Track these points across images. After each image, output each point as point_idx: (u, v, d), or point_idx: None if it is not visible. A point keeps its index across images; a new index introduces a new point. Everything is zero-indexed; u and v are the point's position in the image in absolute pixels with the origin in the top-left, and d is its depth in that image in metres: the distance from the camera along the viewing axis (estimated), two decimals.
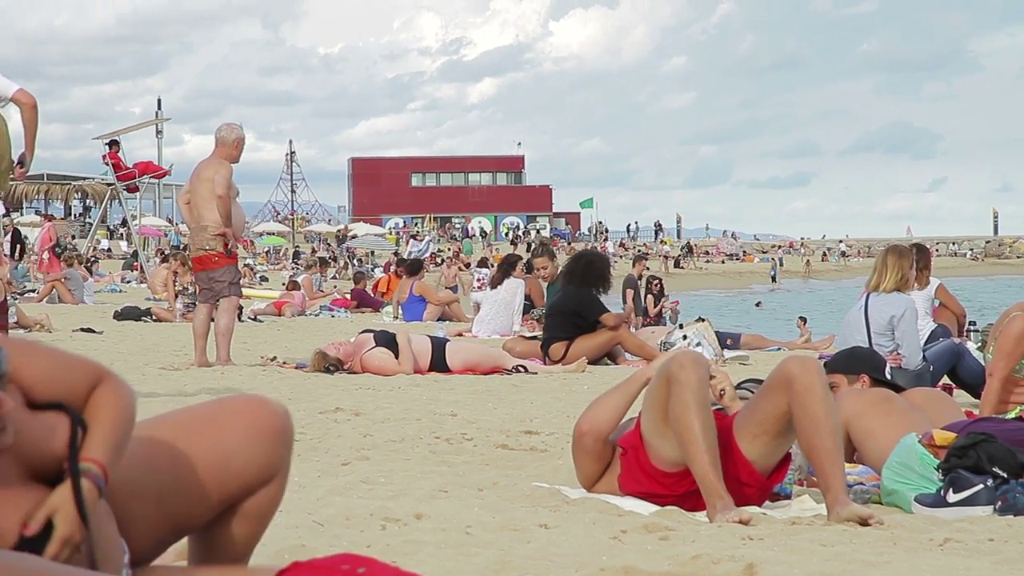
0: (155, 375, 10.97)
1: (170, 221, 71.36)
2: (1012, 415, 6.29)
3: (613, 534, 4.47)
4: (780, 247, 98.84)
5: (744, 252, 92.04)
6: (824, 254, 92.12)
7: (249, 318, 21.08)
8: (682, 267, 74.04)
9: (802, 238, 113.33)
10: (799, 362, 5.06)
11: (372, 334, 11.88)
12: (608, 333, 13.61)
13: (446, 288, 29.74)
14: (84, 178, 78.99)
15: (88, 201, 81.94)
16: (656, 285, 25.01)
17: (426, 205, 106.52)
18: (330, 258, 52.49)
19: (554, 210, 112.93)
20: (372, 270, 47.57)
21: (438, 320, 21.03)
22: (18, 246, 30.31)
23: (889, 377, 6.64)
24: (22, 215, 67.75)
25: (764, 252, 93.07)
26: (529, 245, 58.02)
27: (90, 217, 75.17)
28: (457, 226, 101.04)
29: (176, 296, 20.97)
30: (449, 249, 65.73)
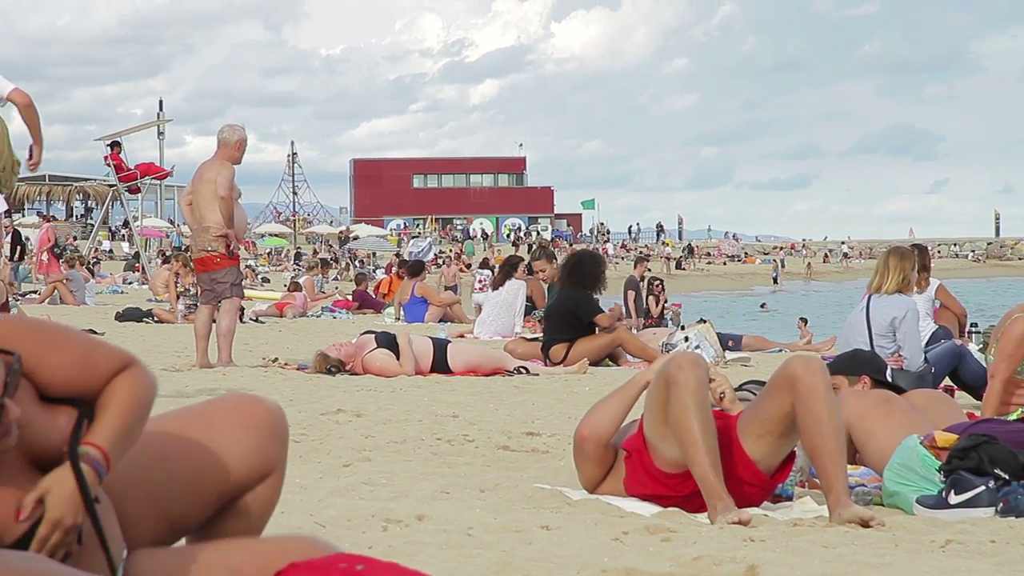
0: (157, 376, 10.95)
1: (172, 222, 71.35)
2: (1014, 417, 6.28)
3: (615, 535, 4.47)
4: (782, 248, 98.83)
5: (746, 254, 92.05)
6: (826, 255, 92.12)
7: (251, 319, 21.08)
8: (684, 268, 74.07)
9: (804, 239, 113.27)
10: (803, 362, 5.05)
11: (373, 335, 11.89)
12: (609, 335, 13.63)
13: (445, 288, 29.76)
14: (86, 179, 79.03)
15: (90, 202, 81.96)
16: (658, 286, 25.01)
17: (428, 206, 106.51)
18: (332, 259, 52.51)
19: (556, 211, 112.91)
20: (374, 271, 47.59)
21: (439, 321, 21.03)
22: (18, 248, 30.31)
23: (890, 379, 6.64)
24: (23, 216, 67.75)
25: (766, 253, 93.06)
26: (530, 246, 58.04)
27: (92, 218, 75.15)
28: (459, 227, 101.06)
29: (178, 297, 20.97)
30: (451, 250, 65.76)
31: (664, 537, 4.48)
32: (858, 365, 6.71)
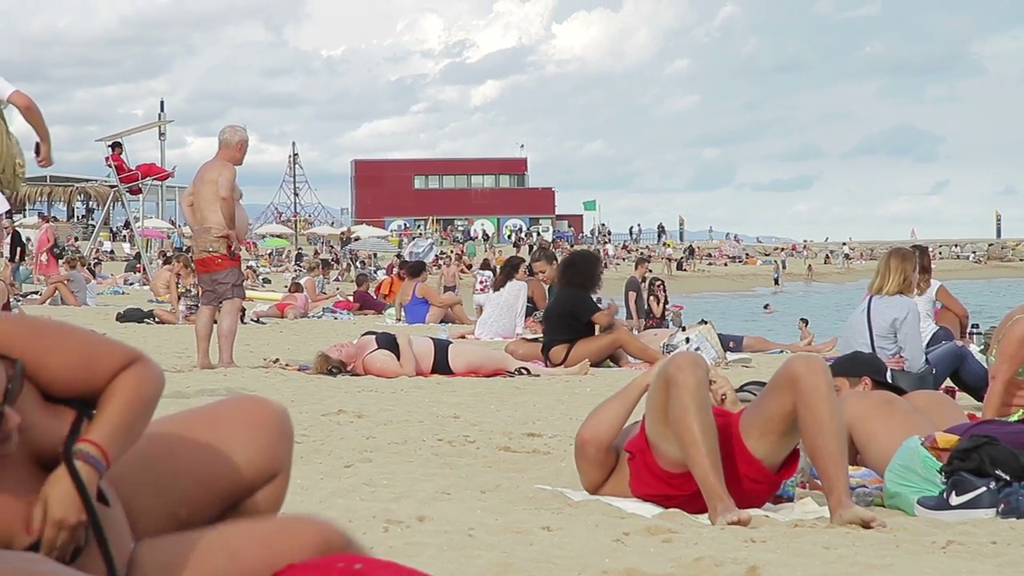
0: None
1: (173, 223, 71.35)
2: (1015, 418, 6.28)
3: (616, 536, 4.47)
4: (783, 250, 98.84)
5: (747, 255, 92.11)
6: (827, 257, 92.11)
7: (252, 320, 21.09)
8: (685, 269, 74.07)
9: (805, 241, 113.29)
10: (805, 361, 5.06)
11: (374, 336, 11.89)
12: (610, 336, 13.64)
13: (445, 288, 29.77)
14: (87, 180, 79.09)
15: (91, 203, 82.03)
16: (659, 286, 25.05)
17: (429, 207, 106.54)
18: (333, 260, 52.53)
19: (557, 212, 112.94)
20: (375, 272, 47.61)
21: (441, 322, 21.03)
22: (18, 249, 30.34)
23: (890, 380, 6.64)
24: (24, 217, 67.78)
25: (767, 255, 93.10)
26: (531, 247, 58.05)
27: (93, 219, 75.25)
28: (459, 228, 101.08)
29: (179, 298, 20.98)
30: (452, 251, 65.77)
31: (665, 538, 4.48)
32: (858, 367, 6.72)
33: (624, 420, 5.35)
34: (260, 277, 43.36)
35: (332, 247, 74.01)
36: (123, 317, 20.39)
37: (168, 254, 39.03)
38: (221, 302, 12.08)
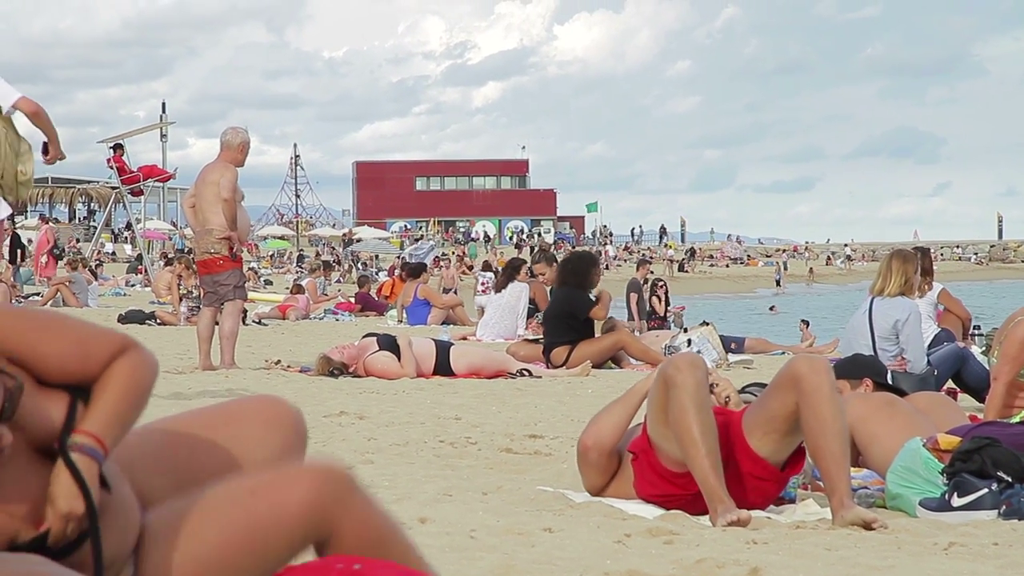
0: (159, 378, 10.95)
1: (174, 225, 71.38)
2: (1016, 419, 6.28)
3: (617, 538, 4.47)
4: (784, 251, 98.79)
5: (748, 256, 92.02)
6: (828, 258, 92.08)
7: (253, 322, 21.09)
8: (686, 271, 74.04)
9: (806, 242, 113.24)
10: (808, 361, 5.06)
11: (375, 338, 11.89)
12: (612, 337, 13.64)
13: (444, 290, 29.77)
14: (88, 181, 79.09)
15: (92, 204, 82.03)
16: (662, 287, 25.09)
17: (430, 209, 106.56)
18: (334, 262, 52.49)
19: (558, 214, 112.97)
20: (376, 274, 47.60)
21: (442, 324, 21.03)
22: (18, 251, 30.36)
23: (890, 382, 6.65)
24: (26, 218, 67.81)
25: (768, 256, 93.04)
26: (532, 249, 58.07)
27: (94, 221, 75.28)
28: (461, 230, 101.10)
29: (180, 299, 20.99)
30: (454, 252, 65.77)
31: (667, 540, 4.48)
32: (859, 369, 6.73)
33: (626, 425, 5.35)
34: (262, 279, 43.34)
35: (334, 249, 73.96)
36: (125, 319, 20.41)
37: (170, 255, 39.05)
38: (223, 304, 12.08)
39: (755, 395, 5.71)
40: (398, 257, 52.35)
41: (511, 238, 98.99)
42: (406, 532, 2.81)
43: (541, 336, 14.28)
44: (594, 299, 13.54)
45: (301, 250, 74.30)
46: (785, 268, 76.73)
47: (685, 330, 14.83)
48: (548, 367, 13.03)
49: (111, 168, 33.35)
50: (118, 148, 33.24)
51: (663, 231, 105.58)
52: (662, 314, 24.20)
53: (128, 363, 2.68)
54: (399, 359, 11.51)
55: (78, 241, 58.37)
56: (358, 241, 77.44)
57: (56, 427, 2.57)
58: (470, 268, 50.71)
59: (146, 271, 38.09)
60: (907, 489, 5.33)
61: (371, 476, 5.87)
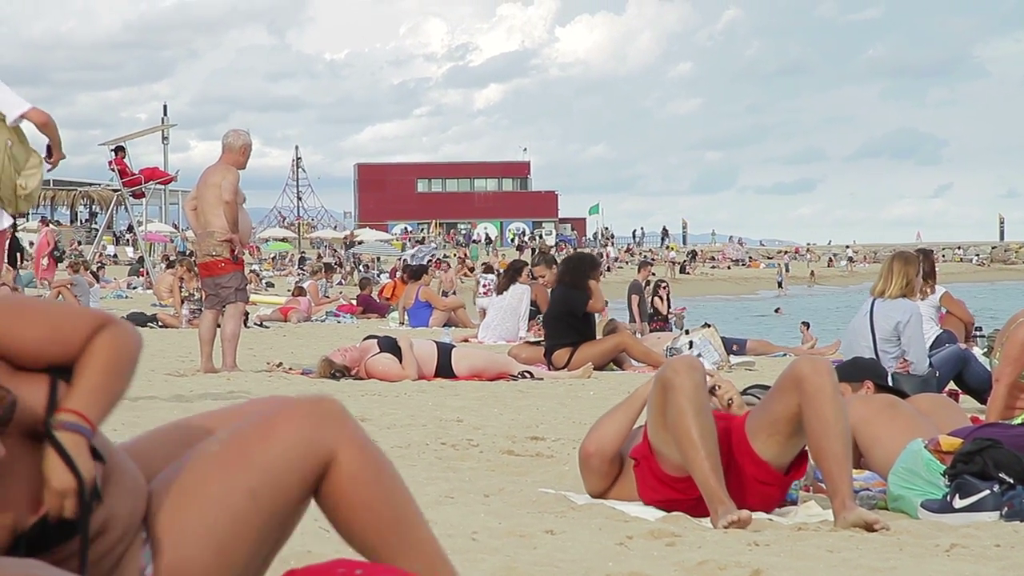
0: (161, 381, 10.98)
1: (176, 227, 71.41)
2: (1018, 421, 6.28)
3: (619, 540, 4.47)
4: (786, 253, 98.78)
5: (750, 258, 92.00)
6: (830, 260, 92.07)
7: (255, 324, 21.10)
8: (688, 273, 74.04)
9: (808, 244, 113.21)
10: (810, 363, 5.06)
11: (376, 340, 11.89)
12: (613, 339, 13.66)
13: (443, 293, 29.78)
14: (90, 184, 79.20)
15: (94, 207, 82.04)
16: (664, 288, 25.14)
17: (432, 211, 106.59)
18: (336, 264, 52.50)
19: (560, 216, 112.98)
20: (378, 276, 47.61)
21: (444, 326, 21.04)
22: (17, 253, 30.31)
23: (891, 384, 6.66)
24: (27, 220, 67.81)
25: (770, 258, 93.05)
26: (533, 251, 58.08)
27: (96, 223, 75.24)
28: (462, 232, 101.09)
29: (182, 302, 21.01)
30: (455, 255, 65.77)
31: (669, 542, 4.48)
32: (859, 371, 6.74)
33: (628, 431, 5.35)
34: (263, 281, 43.33)
35: (335, 251, 73.98)
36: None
37: (171, 258, 39.07)
38: (224, 306, 12.08)
39: (757, 397, 5.71)
40: (399, 259, 52.38)
41: (512, 240, 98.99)
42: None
43: (542, 338, 14.30)
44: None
45: (303, 252, 74.31)
46: (787, 270, 76.74)
47: (687, 332, 14.84)
48: (549, 369, 13.04)
49: (112, 170, 33.34)
50: (119, 150, 33.23)
51: (665, 233, 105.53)
52: (665, 314, 24.25)
53: (108, 337, 2.68)
54: (400, 361, 11.51)
55: (80, 244, 58.35)
56: (360, 243, 77.45)
57: (40, 411, 2.58)
58: (471, 270, 50.70)
59: (148, 274, 38.08)
60: (909, 491, 5.33)
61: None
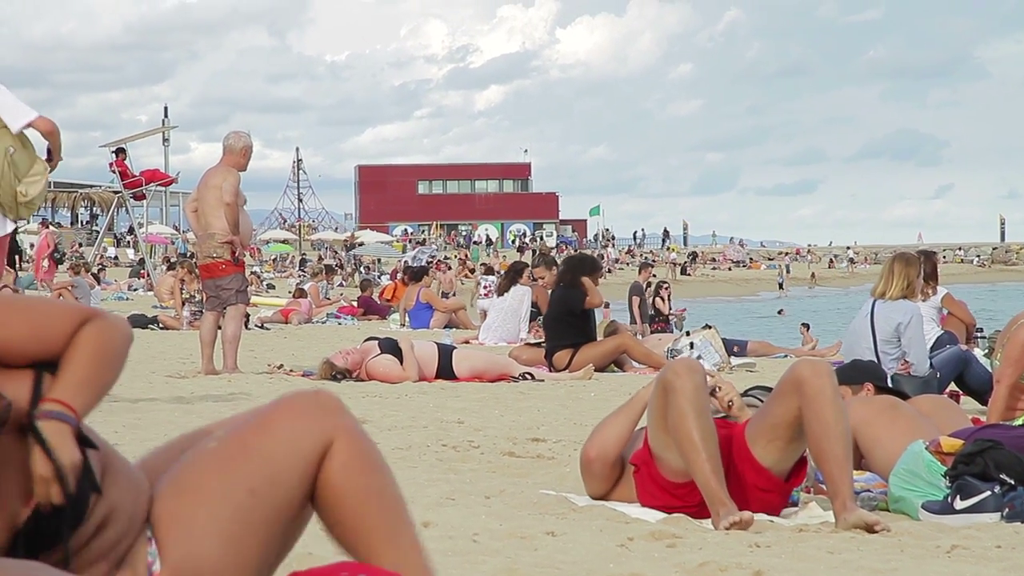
0: (162, 383, 10.98)
1: (177, 229, 71.47)
2: (1019, 422, 6.28)
3: (620, 541, 4.47)
4: (787, 254, 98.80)
5: (751, 259, 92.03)
6: (831, 261, 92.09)
7: (256, 326, 21.10)
8: (689, 274, 74.05)
9: (809, 245, 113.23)
10: (810, 365, 5.06)
11: (377, 341, 11.89)
12: (614, 341, 13.66)
13: (443, 294, 29.80)
14: (91, 186, 79.12)
15: (95, 209, 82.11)
16: (666, 289, 25.18)
17: (433, 212, 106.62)
18: (337, 265, 52.53)
19: (561, 217, 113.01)
20: (379, 277, 47.63)
21: (445, 327, 21.05)
22: (15, 255, 30.32)
23: (891, 385, 6.65)
24: (28, 223, 67.87)
25: (771, 259, 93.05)
26: (533, 252, 58.11)
27: (97, 225, 75.29)
28: (463, 233, 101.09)
29: (183, 304, 21.01)
30: (456, 256, 65.78)
31: (670, 543, 4.48)
32: (859, 374, 6.74)
33: (629, 435, 5.35)
34: (264, 283, 43.37)
35: (336, 252, 74.00)
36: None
37: (172, 260, 39.09)
38: (225, 308, 12.08)
39: (758, 398, 5.71)
40: (400, 261, 52.38)
41: (513, 241, 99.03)
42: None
43: (543, 340, 14.30)
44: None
45: (303, 254, 74.34)
46: (788, 271, 76.77)
47: (687, 333, 14.84)
48: (550, 371, 13.04)
49: (113, 172, 33.31)
50: (120, 152, 33.23)
51: (666, 234, 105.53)
52: (667, 314, 24.27)
53: (92, 330, 2.67)
54: (401, 363, 11.51)
55: (80, 245, 58.41)
56: (360, 245, 77.46)
57: (25, 405, 2.58)
58: (472, 271, 50.70)
59: (148, 275, 38.07)
60: (910, 492, 5.33)
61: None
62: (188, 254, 39.93)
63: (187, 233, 55.95)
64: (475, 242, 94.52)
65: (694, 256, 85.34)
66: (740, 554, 4.28)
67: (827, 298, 61.43)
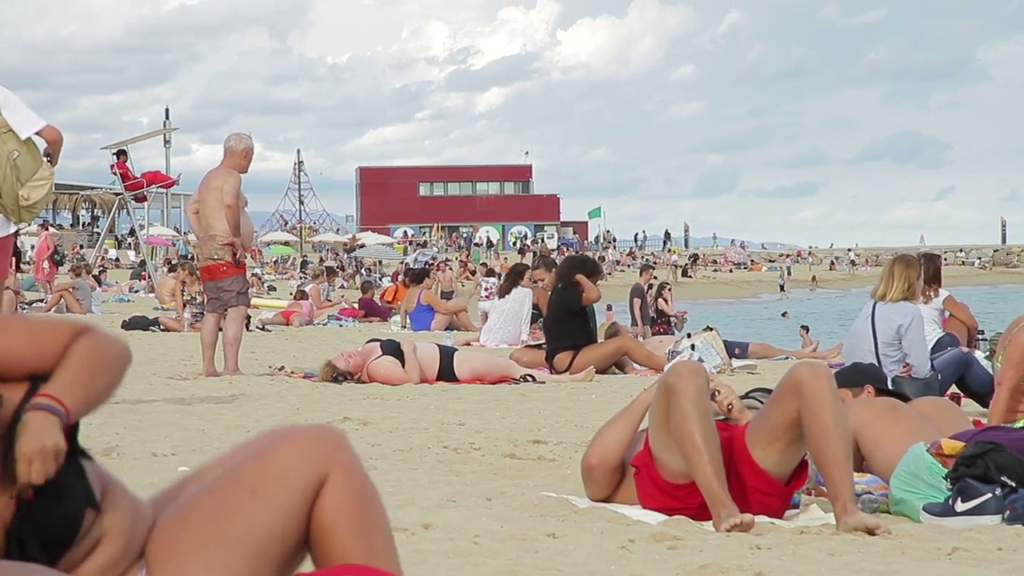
0: (163, 385, 10.98)
1: (178, 231, 71.45)
2: (1020, 424, 6.28)
3: (621, 543, 4.47)
4: (788, 256, 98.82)
5: (752, 261, 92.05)
6: (832, 263, 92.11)
7: (257, 327, 21.10)
8: (690, 276, 74.06)
9: (810, 247, 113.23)
10: (808, 368, 5.06)
11: (378, 343, 11.89)
12: (615, 343, 13.65)
13: (442, 294, 29.80)
14: (92, 188, 79.03)
15: (96, 211, 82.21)
16: (668, 290, 25.19)
17: (434, 214, 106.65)
18: (338, 267, 52.54)
19: (562, 219, 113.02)
20: (380, 279, 47.62)
21: (446, 329, 21.05)
22: (13, 258, 30.35)
23: (891, 387, 6.65)
24: (28, 224, 67.87)
25: (772, 261, 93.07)
26: (534, 254, 58.10)
27: (98, 227, 75.37)
28: (464, 235, 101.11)
29: (184, 306, 21.00)
30: (456, 258, 65.79)
31: (671, 545, 4.48)
32: (859, 377, 6.74)
33: (630, 439, 5.34)
34: (265, 284, 43.38)
35: (337, 254, 74.04)
36: (128, 325, 20.42)
37: (173, 262, 39.08)
38: (226, 309, 12.08)
39: (759, 400, 5.70)
40: (401, 263, 52.39)
41: (514, 243, 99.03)
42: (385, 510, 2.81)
43: (544, 342, 14.29)
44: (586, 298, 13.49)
45: (305, 256, 74.38)
46: (789, 273, 76.77)
47: (689, 335, 14.84)
48: (551, 372, 13.03)
49: (114, 174, 33.31)
50: (121, 154, 33.24)
51: (667, 236, 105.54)
52: (669, 315, 24.29)
53: (87, 341, 2.71)
54: (403, 364, 11.51)
55: (82, 247, 58.42)
56: (361, 247, 77.48)
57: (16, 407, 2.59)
58: (473, 273, 50.71)
59: (150, 277, 38.07)
60: (911, 494, 5.32)
61: (375, 482, 5.86)
62: (189, 256, 39.93)
63: (188, 235, 55.93)
64: (476, 244, 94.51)
65: (695, 258, 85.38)
66: (741, 556, 4.28)
67: (828, 300, 61.43)
